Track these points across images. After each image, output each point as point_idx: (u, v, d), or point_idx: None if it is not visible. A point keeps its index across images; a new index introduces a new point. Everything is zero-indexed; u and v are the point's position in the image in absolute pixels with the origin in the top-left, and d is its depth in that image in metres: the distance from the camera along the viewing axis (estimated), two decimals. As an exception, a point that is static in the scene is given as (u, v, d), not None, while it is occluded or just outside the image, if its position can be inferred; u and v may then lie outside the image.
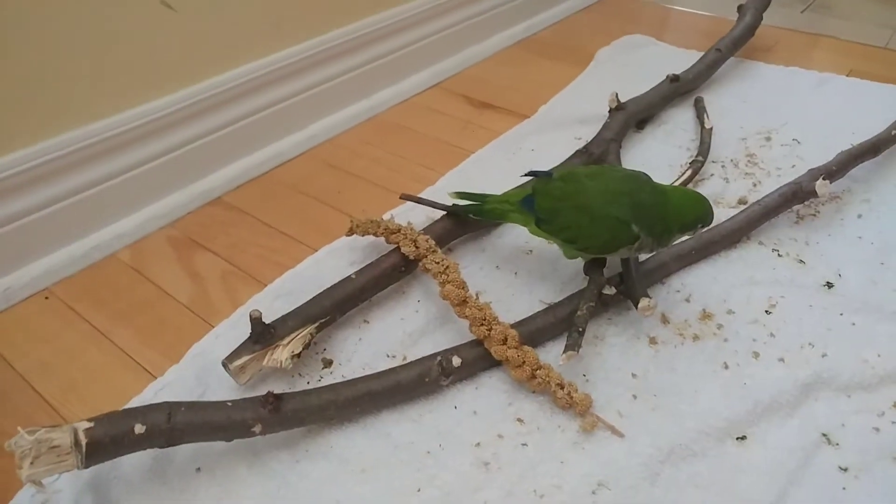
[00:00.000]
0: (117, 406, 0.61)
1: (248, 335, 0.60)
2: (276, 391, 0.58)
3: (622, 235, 0.63)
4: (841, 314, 0.70)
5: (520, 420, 0.60)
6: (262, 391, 0.60)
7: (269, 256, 0.80)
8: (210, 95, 0.88)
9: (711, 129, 0.97)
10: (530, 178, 0.72)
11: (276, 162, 0.97)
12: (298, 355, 0.62)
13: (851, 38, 1.29)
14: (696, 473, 0.56)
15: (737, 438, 0.59)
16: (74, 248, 0.78)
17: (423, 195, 0.90)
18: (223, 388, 0.62)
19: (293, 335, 0.62)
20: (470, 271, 0.77)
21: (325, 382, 0.63)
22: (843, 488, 0.55)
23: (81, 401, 0.63)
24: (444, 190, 0.91)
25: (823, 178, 0.79)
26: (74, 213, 0.78)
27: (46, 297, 0.75)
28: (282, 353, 0.60)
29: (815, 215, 0.84)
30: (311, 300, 0.65)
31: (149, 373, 0.65)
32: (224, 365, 0.59)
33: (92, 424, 0.48)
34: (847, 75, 1.14)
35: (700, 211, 0.66)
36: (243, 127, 0.94)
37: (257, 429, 0.53)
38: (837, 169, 0.83)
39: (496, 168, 0.95)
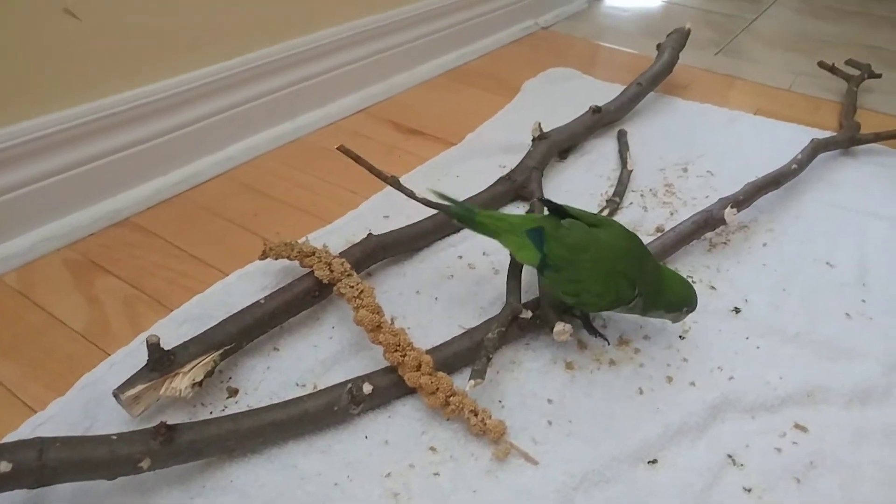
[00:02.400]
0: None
1: (145, 363, 0.56)
2: (174, 422, 0.55)
3: (625, 294, 0.63)
4: (747, 338, 0.72)
5: (433, 449, 0.59)
6: (160, 420, 0.56)
7: (177, 280, 0.76)
8: (121, 111, 0.84)
9: (631, 171, 0.99)
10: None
11: (192, 183, 0.94)
12: (200, 384, 0.58)
13: (759, 80, 1.37)
14: (609, 499, 0.56)
15: (648, 462, 0.59)
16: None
17: (344, 219, 0.88)
18: (114, 422, 0.58)
19: (195, 362, 0.58)
20: (389, 297, 0.75)
21: (228, 412, 0.60)
22: (748, 511, 0.56)
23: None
24: (367, 214, 0.89)
25: (731, 207, 0.82)
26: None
27: (-80, 326, 0.69)
28: (181, 382, 0.57)
29: (725, 243, 0.86)
30: (215, 326, 0.62)
31: (30, 408, 0.60)
32: (115, 395, 0.55)
33: (-49, 462, 0.44)
34: (755, 114, 1.21)
35: (690, 295, 0.67)
36: (157, 145, 0.90)
37: (145, 464, 0.49)
38: (744, 199, 0.87)
39: (421, 194, 0.93)
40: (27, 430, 0.57)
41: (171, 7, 0.87)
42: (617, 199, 0.93)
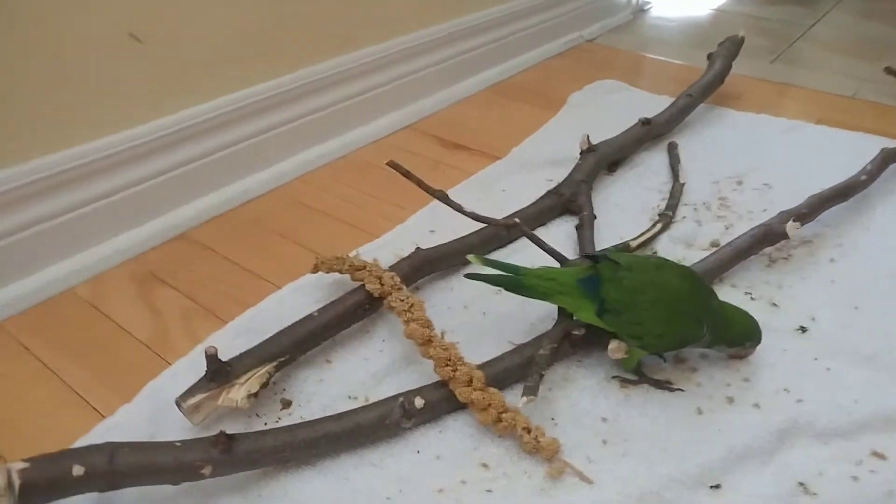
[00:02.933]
0: (62, 447, 0.57)
1: (204, 373, 0.58)
2: (231, 432, 0.56)
3: (692, 334, 0.62)
4: (815, 359, 0.69)
5: (485, 465, 0.58)
6: (216, 432, 0.57)
7: (231, 293, 0.78)
8: (178, 129, 0.87)
9: (684, 184, 0.97)
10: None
11: (244, 198, 0.96)
12: (255, 395, 0.59)
13: (820, 88, 1.32)
14: None
15: (710, 487, 0.57)
16: (30, 281, 0.76)
17: (392, 234, 0.89)
18: (176, 429, 0.59)
19: (250, 374, 0.59)
20: (437, 311, 0.75)
21: (282, 424, 0.60)
22: (819, 539, 0.53)
23: (24, 441, 0.60)
24: (414, 228, 0.90)
25: (794, 220, 0.80)
26: (31, 246, 0.75)
27: (-4, 333, 0.72)
28: (238, 393, 0.58)
29: (787, 259, 0.84)
30: (269, 338, 0.63)
31: (98, 412, 0.62)
32: (177, 403, 0.57)
33: (27, 465, 0.45)
34: (816, 123, 1.17)
35: (753, 328, 0.66)
36: (211, 162, 0.93)
37: (207, 471, 0.50)
38: (808, 212, 0.84)
39: (468, 208, 0.93)
40: (98, 434, 0.59)
41: (224, 27, 0.90)
42: (670, 213, 0.91)
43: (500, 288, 0.65)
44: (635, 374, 0.67)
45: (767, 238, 0.80)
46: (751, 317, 0.66)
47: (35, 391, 0.65)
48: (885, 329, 0.72)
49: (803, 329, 0.73)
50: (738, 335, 0.65)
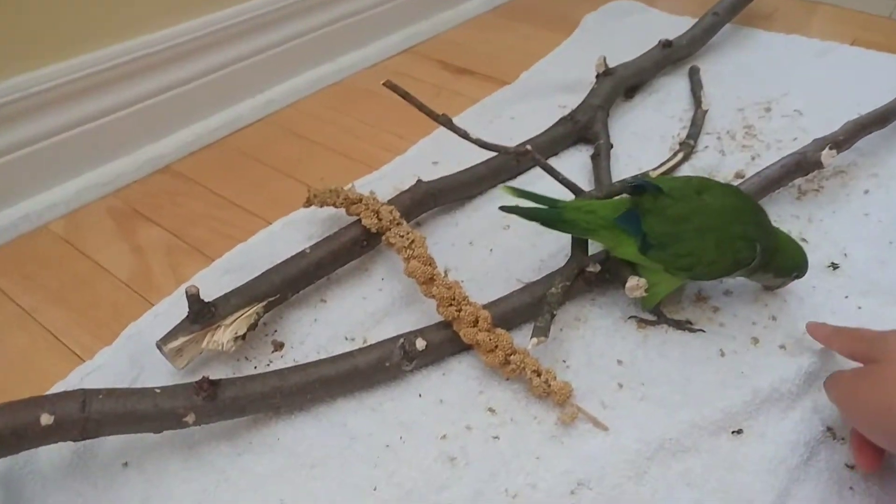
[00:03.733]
0: (39, 393, 0.54)
1: (186, 314, 0.53)
2: (219, 376, 0.52)
3: (745, 255, 0.56)
4: (846, 297, 0.64)
5: (491, 410, 0.54)
6: (203, 376, 0.53)
7: (220, 230, 0.73)
8: (160, 50, 0.80)
9: (707, 111, 0.90)
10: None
11: (232, 128, 0.90)
12: (243, 337, 0.55)
13: (855, 7, 1.22)
14: (687, 470, 0.50)
15: (732, 432, 0.52)
16: (1, 217, 0.70)
17: (391, 165, 0.83)
18: (160, 373, 0.55)
19: (237, 315, 0.55)
20: (441, 248, 0.70)
21: (274, 367, 0.56)
22: (851, 488, 0.49)
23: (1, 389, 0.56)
24: (415, 160, 0.84)
25: (830, 148, 0.73)
26: (0, 178, 0.70)
27: (-33, 272, 0.67)
28: (223, 335, 0.53)
29: (818, 191, 0.77)
30: (258, 276, 0.58)
31: (78, 356, 0.58)
32: (158, 347, 0.52)
33: (-13, 416, 0.41)
34: (851, 44, 1.08)
35: (802, 257, 0.60)
36: (197, 88, 0.86)
37: (190, 419, 0.46)
38: (844, 139, 0.77)
39: (475, 135, 0.87)
40: (76, 379, 0.55)
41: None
42: (691, 142, 0.84)
43: (536, 222, 0.59)
44: (654, 314, 0.62)
45: (800, 167, 0.74)
46: (800, 246, 0.61)
47: (10, 335, 0.61)
48: (923, 266, 0.66)
49: (834, 266, 0.67)
50: (788, 263, 0.59)
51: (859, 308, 0.63)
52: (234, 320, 0.54)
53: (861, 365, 0.49)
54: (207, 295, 0.56)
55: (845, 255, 0.68)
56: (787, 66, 1.02)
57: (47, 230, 0.73)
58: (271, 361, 0.57)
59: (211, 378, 0.48)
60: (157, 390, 0.46)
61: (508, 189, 0.60)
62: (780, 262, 0.59)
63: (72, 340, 0.60)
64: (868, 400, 0.45)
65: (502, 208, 0.59)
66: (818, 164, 0.72)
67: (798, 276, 0.61)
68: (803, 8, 1.24)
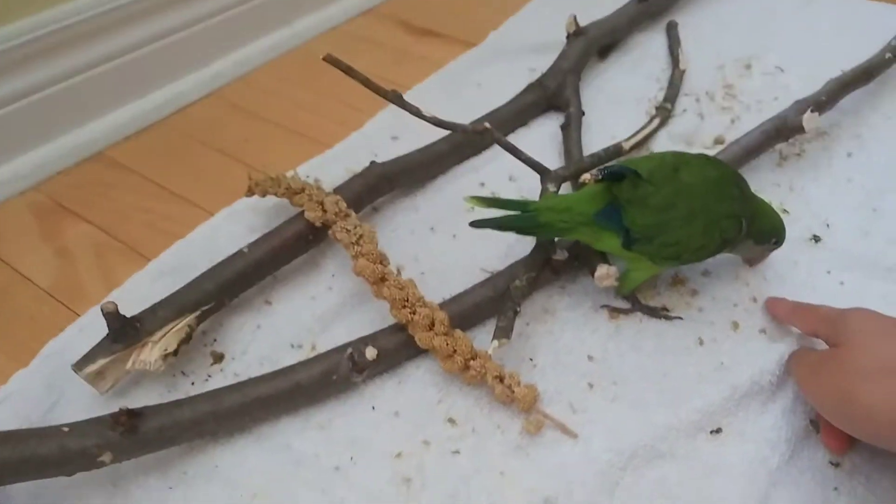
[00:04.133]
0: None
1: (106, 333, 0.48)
2: (151, 397, 0.47)
3: (732, 234, 0.52)
4: (828, 272, 0.60)
5: (451, 421, 0.50)
6: (133, 397, 0.48)
7: (158, 224, 0.67)
8: (86, 18, 0.72)
9: (685, 71, 0.84)
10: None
11: (174, 106, 0.82)
12: (175, 353, 0.50)
13: (838, -51, 1.15)
14: (662, 479, 0.46)
15: (711, 432, 0.49)
16: None
17: (347, 143, 0.77)
18: (83, 396, 0.50)
19: (166, 328, 0.50)
20: (399, 235, 0.65)
21: (213, 382, 0.52)
22: (835, 488, 0.46)
23: None
24: (373, 135, 0.77)
25: (812, 111, 0.68)
26: None
27: None
28: (150, 353, 0.48)
29: (799, 155, 0.72)
30: (188, 284, 0.53)
31: (-8, 380, 0.53)
32: (74, 370, 0.47)
33: None
34: (834, -8, 1.01)
35: (780, 222, 0.56)
36: (131, 62, 0.78)
37: (106, 458, 0.42)
38: (827, 99, 0.71)
39: (437, 106, 0.78)
40: (-14, 408, 0.50)
41: None
42: (668, 106, 0.78)
43: (511, 232, 0.55)
44: (628, 301, 0.58)
45: (781, 133, 0.69)
46: (774, 209, 0.57)
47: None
48: (906, 235, 0.62)
49: (816, 238, 0.63)
50: (768, 228, 0.55)
51: (841, 284, 0.59)
52: (163, 335, 0.49)
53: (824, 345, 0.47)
54: (142, 302, 0.51)
55: (827, 225, 0.64)
56: (768, 19, 0.96)
57: (-42, 233, 0.67)
58: (210, 376, 0.52)
59: (132, 407, 0.43)
60: (66, 428, 0.41)
61: (474, 200, 0.55)
62: (759, 226, 0.54)
63: (-15, 363, 0.55)
64: (828, 384, 0.43)
65: (472, 224, 0.54)
66: (799, 130, 0.67)
67: (777, 244, 0.56)
68: (787, -48, 1.16)
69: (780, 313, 0.54)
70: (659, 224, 0.51)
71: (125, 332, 0.47)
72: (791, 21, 0.95)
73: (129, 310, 0.50)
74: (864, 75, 0.75)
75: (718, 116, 0.79)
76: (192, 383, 0.52)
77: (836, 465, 0.47)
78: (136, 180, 0.72)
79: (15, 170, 0.70)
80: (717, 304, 0.58)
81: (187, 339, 0.50)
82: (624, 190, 0.51)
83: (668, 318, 0.57)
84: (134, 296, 0.57)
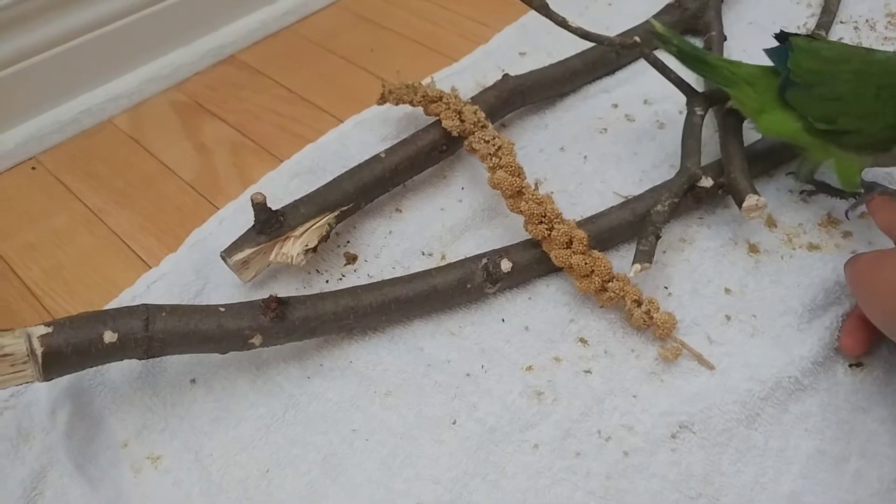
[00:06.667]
0: (108, 298, 0.52)
1: (252, 224, 0.49)
2: (288, 291, 0.48)
3: None
4: None
5: (583, 341, 0.49)
6: (271, 290, 0.50)
7: (288, 127, 0.67)
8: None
9: (841, -7, 0.76)
10: None
11: (300, 14, 0.82)
12: (314, 249, 0.50)
13: None
14: (806, 413, 0.44)
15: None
16: (62, 110, 0.67)
17: (474, 56, 0.74)
18: (226, 284, 0.52)
19: (308, 225, 0.50)
20: (528, 153, 0.63)
21: (346, 282, 0.52)
22: None
23: (68, 290, 0.54)
24: (500, 51, 0.75)
25: None
26: (59, 68, 0.66)
27: (33, 168, 0.65)
28: (293, 247, 0.49)
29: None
30: (329, 183, 0.53)
31: (143, 261, 0.56)
32: (223, 258, 0.49)
33: (50, 330, 0.39)
34: None
35: None
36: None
37: (256, 340, 0.43)
38: None
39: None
40: (142, 287, 0.53)
41: None
42: (822, 33, 0.71)
43: (677, 56, 0.56)
44: (810, 183, 0.55)
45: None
46: None
47: (78, 236, 0.59)
48: None
49: None
50: None
51: None
52: (304, 231, 0.50)
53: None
54: (276, 201, 0.52)
55: None
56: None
57: (111, 125, 0.69)
58: (343, 276, 0.53)
59: (279, 296, 0.44)
60: (222, 309, 0.42)
61: (662, 27, 0.56)
62: None
63: (137, 245, 0.57)
64: (881, 278, 0.41)
65: (654, 34, 0.56)
66: None
67: None
68: None
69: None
70: (825, 72, 0.47)
71: (270, 224, 0.48)
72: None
73: (266, 206, 0.51)
74: None
75: (881, 48, 0.71)
76: (327, 281, 0.53)
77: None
78: (264, 83, 0.73)
79: (156, 70, 0.72)
80: (872, 248, 0.53)
81: (326, 237, 0.51)
82: (800, 40, 0.50)
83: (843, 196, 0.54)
84: (268, 193, 0.58)
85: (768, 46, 0.54)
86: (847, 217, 0.53)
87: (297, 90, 0.72)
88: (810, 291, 0.50)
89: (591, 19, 0.78)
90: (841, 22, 0.75)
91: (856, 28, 0.74)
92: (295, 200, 0.51)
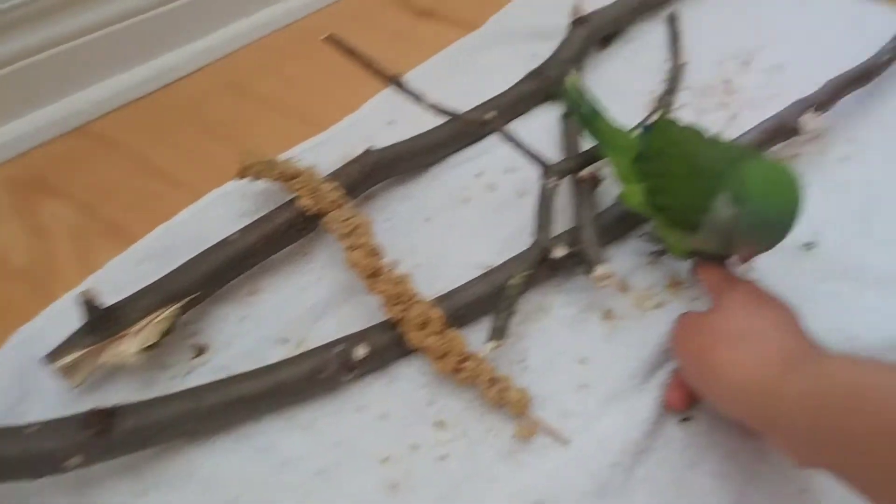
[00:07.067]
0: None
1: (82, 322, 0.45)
2: (126, 393, 0.45)
3: (705, 200, 0.46)
4: (820, 281, 0.58)
5: (441, 424, 0.48)
6: (106, 392, 0.46)
7: (142, 204, 0.64)
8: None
9: (685, 65, 0.82)
10: None
11: (162, 81, 0.79)
12: (155, 345, 0.47)
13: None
14: (646, 476, 0.45)
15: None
16: None
17: (342, 126, 0.74)
18: (53, 391, 0.47)
19: (147, 320, 0.47)
20: (393, 225, 0.62)
21: (195, 377, 0.50)
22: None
23: None
24: (369, 119, 0.75)
25: (813, 111, 0.66)
26: None
27: None
28: (129, 346, 0.46)
29: (795, 157, 0.70)
30: (175, 270, 0.50)
31: (-37, 365, 0.51)
32: (46, 362, 0.45)
33: None
34: (836, -11, 0.99)
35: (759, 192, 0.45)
36: (118, 32, 0.75)
37: (76, 461, 0.39)
38: (826, 100, 0.70)
39: (436, 91, 0.77)
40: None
41: None
42: (668, 100, 0.76)
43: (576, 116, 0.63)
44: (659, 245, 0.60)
45: (780, 133, 0.67)
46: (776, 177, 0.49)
47: None
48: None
49: (809, 245, 0.61)
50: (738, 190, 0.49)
51: (832, 295, 0.57)
52: (144, 327, 0.47)
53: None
54: (120, 289, 0.49)
55: (821, 232, 0.62)
56: (766, 16, 0.94)
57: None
58: (191, 370, 0.50)
59: (108, 406, 0.41)
60: (32, 428, 0.38)
61: (576, 78, 0.62)
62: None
63: (-44, 344, 0.52)
64: (693, 342, 0.46)
65: (564, 90, 0.62)
66: (799, 130, 0.66)
67: (742, 218, 0.44)
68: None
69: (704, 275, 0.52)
70: (662, 150, 0.52)
71: (103, 322, 0.45)
72: (790, 18, 0.93)
73: (107, 296, 0.48)
74: (862, 76, 0.74)
75: (717, 112, 0.77)
76: (172, 378, 0.50)
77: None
78: (120, 155, 0.69)
79: (-9, 142, 0.67)
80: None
81: (169, 331, 0.48)
82: (662, 120, 0.56)
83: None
84: (113, 280, 0.55)
85: (619, 111, 0.61)
86: (692, 278, 0.56)
87: (156, 163, 0.69)
88: (650, 351, 0.52)
89: (460, 85, 0.80)
90: (685, 88, 0.81)
91: (696, 95, 0.80)
92: (134, 293, 0.48)
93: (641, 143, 0.56)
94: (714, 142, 0.52)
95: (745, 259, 0.47)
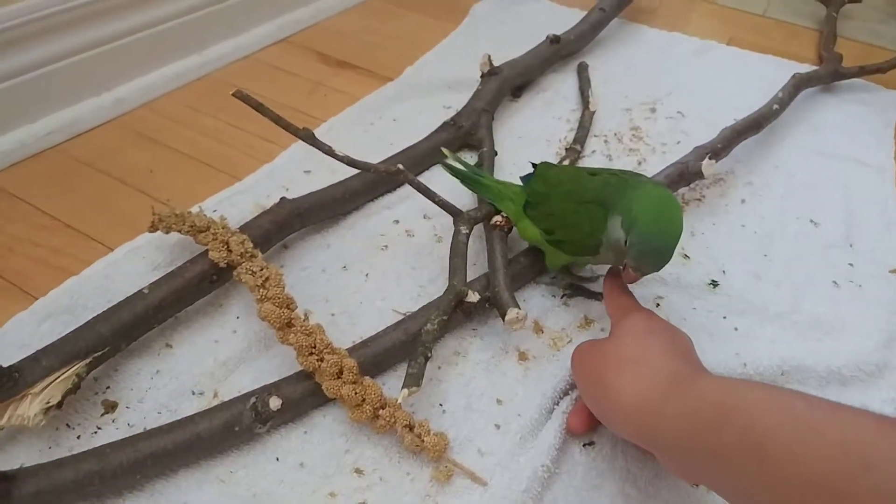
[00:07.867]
0: None
1: (-20, 385, 0.44)
2: (29, 454, 0.44)
3: (597, 226, 0.53)
4: (724, 317, 0.62)
5: (358, 471, 0.48)
6: (8, 455, 0.44)
7: (47, 259, 0.62)
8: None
9: (594, 112, 0.87)
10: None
11: (70, 132, 0.78)
12: (59, 405, 0.46)
13: (731, 3, 1.24)
14: (553, 501, 0.47)
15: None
16: None
17: (257, 176, 0.75)
18: (-50, 455, 0.45)
19: (49, 379, 0.46)
20: (310, 273, 0.63)
21: (102, 435, 0.48)
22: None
23: None
24: (284, 168, 0.76)
25: (710, 157, 0.72)
26: None
27: None
28: (30, 407, 0.44)
29: (700, 200, 0.76)
30: (80, 327, 0.49)
31: None
32: (-59, 429, 0.43)
33: None
34: (728, 43, 1.09)
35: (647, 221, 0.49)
36: (23, 84, 0.73)
37: (-29, 531, 0.38)
38: (722, 146, 0.76)
39: (351, 141, 0.80)
40: None
41: None
42: (578, 147, 0.81)
43: (458, 178, 0.66)
44: (564, 276, 0.64)
45: (683, 177, 0.72)
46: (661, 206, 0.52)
47: None
48: (794, 280, 0.66)
49: (714, 283, 0.66)
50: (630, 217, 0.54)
51: (735, 329, 0.61)
52: (46, 386, 0.45)
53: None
54: (23, 347, 0.47)
55: (724, 271, 0.67)
56: (669, 65, 1.02)
57: None
58: (99, 428, 0.49)
59: (5, 469, 0.39)
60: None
61: (449, 152, 0.67)
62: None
63: None
64: (590, 368, 0.48)
65: (444, 165, 0.66)
66: (700, 174, 0.71)
67: (634, 248, 0.49)
68: (683, 4, 1.24)
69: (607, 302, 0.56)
70: (546, 193, 0.58)
71: (1, 383, 0.43)
72: (690, 68, 1.01)
73: (7, 357, 0.46)
74: (754, 124, 0.81)
75: (626, 158, 0.82)
76: (78, 437, 0.48)
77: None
78: (23, 210, 0.67)
79: None
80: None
81: (74, 390, 0.47)
82: (540, 167, 0.62)
83: (598, 299, 0.62)
84: (15, 340, 0.53)
85: (532, 159, 0.65)
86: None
87: (62, 217, 0.67)
88: (558, 381, 0.54)
89: (376, 135, 0.82)
90: (594, 135, 0.86)
91: (606, 141, 0.85)
92: (36, 352, 0.47)
93: (526, 191, 0.61)
94: (595, 173, 0.57)
95: (631, 280, 0.52)
